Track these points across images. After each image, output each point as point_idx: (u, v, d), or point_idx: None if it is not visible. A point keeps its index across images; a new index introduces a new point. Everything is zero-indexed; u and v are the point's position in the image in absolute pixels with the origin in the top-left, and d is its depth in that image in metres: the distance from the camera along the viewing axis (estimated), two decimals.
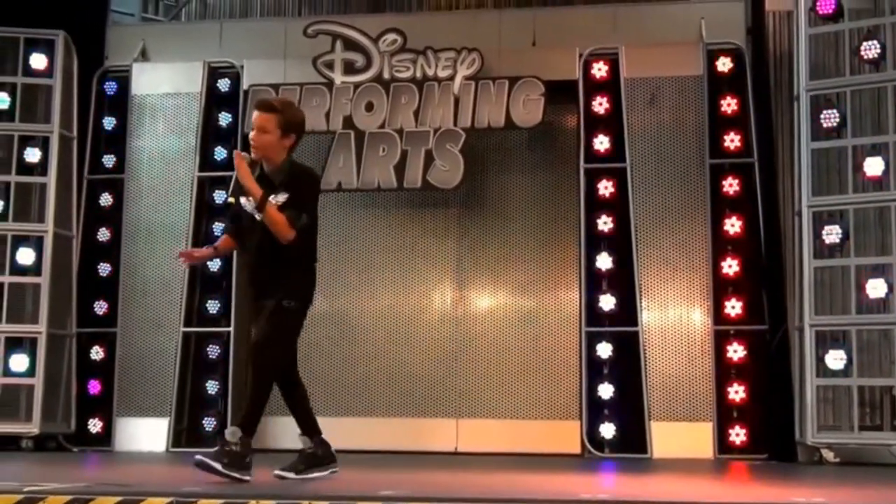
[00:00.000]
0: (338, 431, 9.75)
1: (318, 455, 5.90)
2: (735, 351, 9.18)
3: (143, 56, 10.52)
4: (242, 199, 5.85)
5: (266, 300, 5.80)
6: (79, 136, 9.93)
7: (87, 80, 10.12)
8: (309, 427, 5.95)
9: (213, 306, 9.84)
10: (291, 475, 5.75)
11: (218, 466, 5.47)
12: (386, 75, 9.89)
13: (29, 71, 9.64)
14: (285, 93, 9.89)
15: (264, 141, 5.78)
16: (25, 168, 9.57)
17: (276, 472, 5.77)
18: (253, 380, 5.79)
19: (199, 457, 5.53)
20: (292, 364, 5.95)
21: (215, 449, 5.58)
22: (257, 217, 5.75)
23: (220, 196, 9.93)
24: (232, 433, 5.57)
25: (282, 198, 5.73)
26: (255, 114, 5.85)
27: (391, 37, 9.94)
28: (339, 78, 9.94)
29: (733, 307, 9.25)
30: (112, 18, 10.96)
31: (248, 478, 5.53)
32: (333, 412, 9.98)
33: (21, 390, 9.34)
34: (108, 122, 10.30)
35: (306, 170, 6.04)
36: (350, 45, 9.99)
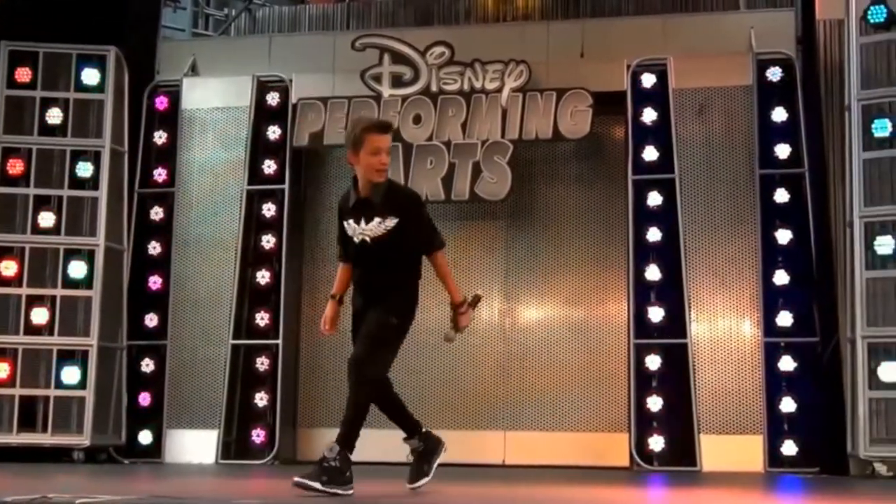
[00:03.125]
0: (388, 444, 9.85)
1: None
2: (785, 363, 9.08)
3: (194, 71, 10.63)
4: (345, 223, 5.88)
5: (369, 312, 5.81)
6: (130, 151, 10.01)
7: (138, 95, 10.23)
8: (412, 425, 6.12)
9: (262, 319, 9.88)
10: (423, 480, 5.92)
11: (317, 485, 5.45)
12: (434, 88, 9.91)
13: (81, 86, 9.73)
14: (334, 106, 9.95)
15: (388, 163, 5.86)
16: (77, 182, 9.66)
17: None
18: (352, 395, 5.72)
19: (297, 479, 5.51)
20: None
21: (314, 468, 5.57)
22: (360, 239, 5.79)
23: (268, 209, 9.99)
24: (330, 449, 5.58)
25: (391, 222, 5.76)
26: (384, 136, 5.81)
27: (439, 49, 9.97)
28: (386, 91, 9.98)
29: (784, 319, 9.16)
30: (163, 34, 11.10)
31: (350, 492, 5.53)
32: (385, 424, 9.94)
33: (73, 402, 9.42)
34: (159, 137, 10.39)
35: (410, 193, 6.09)
36: (398, 58, 10.03)
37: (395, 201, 5.81)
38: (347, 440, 5.61)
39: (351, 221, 5.84)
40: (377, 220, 5.75)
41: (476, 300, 5.92)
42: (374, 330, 5.75)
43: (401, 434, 6.11)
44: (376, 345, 5.75)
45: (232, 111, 10.40)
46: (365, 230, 5.79)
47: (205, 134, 10.44)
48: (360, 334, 5.82)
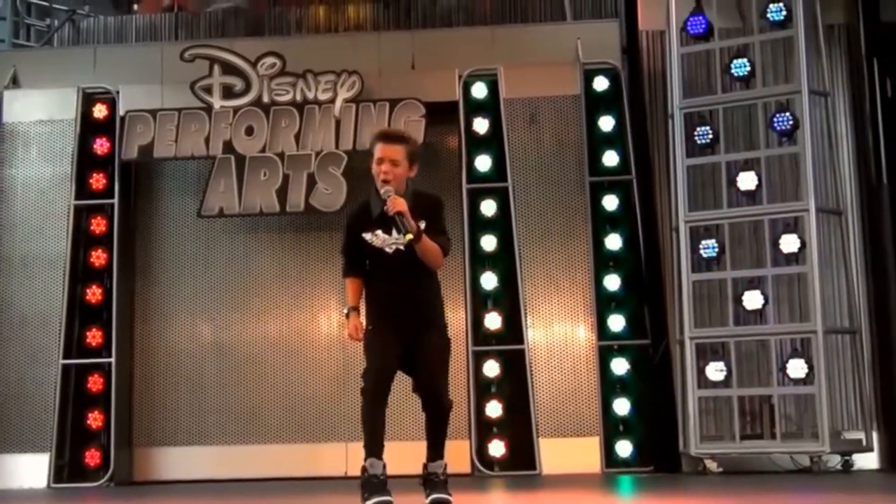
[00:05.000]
0: (227, 460, 9.76)
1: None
2: (619, 365, 9.31)
3: (15, 83, 10.28)
4: (367, 236, 5.86)
5: (425, 337, 5.92)
6: None
7: None
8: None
9: (93, 337, 9.62)
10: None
11: (451, 499, 5.93)
12: (265, 99, 9.82)
13: None
14: (163, 118, 9.76)
15: (397, 173, 5.83)
16: None
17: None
18: (444, 409, 5.98)
19: (436, 495, 5.88)
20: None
21: (434, 485, 5.95)
22: (394, 249, 5.81)
23: (97, 224, 9.75)
24: (438, 465, 5.98)
25: (421, 226, 5.78)
26: (384, 146, 5.86)
27: (270, 60, 9.88)
28: (217, 102, 9.83)
29: (616, 322, 9.38)
30: None
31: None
32: (223, 440, 9.88)
33: None
34: None
35: (434, 196, 6.09)
36: (228, 69, 9.90)
37: (421, 206, 5.87)
38: (443, 451, 6.07)
39: (379, 232, 5.86)
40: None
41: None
42: (443, 356, 5.98)
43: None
44: (446, 371, 5.99)
45: (56, 124, 10.10)
46: (398, 239, 5.80)
47: (28, 148, 10.11)
48: (428, 360, 5.91)
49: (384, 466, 5.90)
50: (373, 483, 5.82)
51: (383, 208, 5.78)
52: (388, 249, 5.86)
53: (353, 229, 5.98)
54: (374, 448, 5.91)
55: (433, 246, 5.83)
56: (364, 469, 5.87)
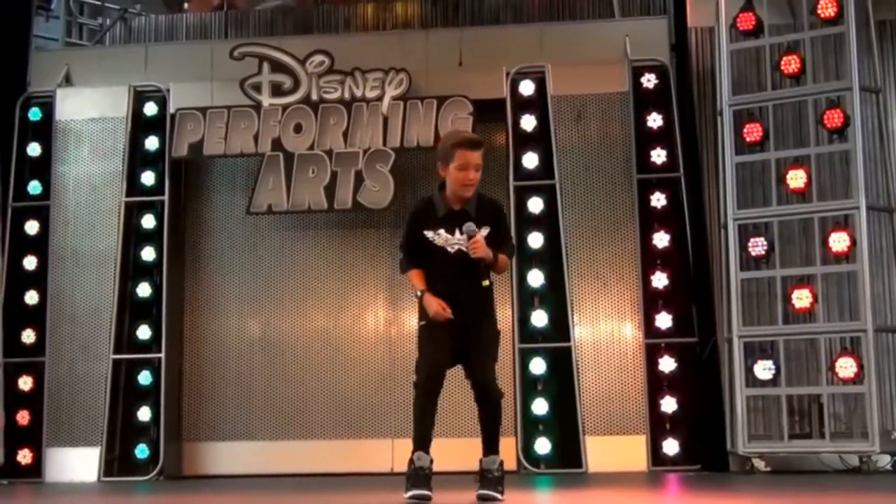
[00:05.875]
0: (275, 455, 9.83)
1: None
2: (666, 364, 9.27)
3: (68, 81, 10.42)
4: (430, 234, 5.89)
5: (478, 330, 5.88)
6: (2, 164, 9.78)
7: (9, 107, 10.01)
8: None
9: (143, 332, 9.73)
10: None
11: (500, 497, 5.81)
12: (314, 97, 9.88)
13: None
14: (213, 116, 9.84)
15: (478, 178, 5.87)
16: None
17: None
18: (495, 398, 5.91)
19: (482, 491, 5.80)
20: None
21: (486, 481, 5.82)
22: (455, 249, 5.82)
23: (147, 221, 9.86)
24: (492, 461, 5.88)
25: (484, 232, 5.80)
26: (470, 152, 5.83)
27: (318, 58, 9.94)
28: (266, 100, 9.91)
29: (663, 320, 9.34)
30: (35, 44, 10.84)
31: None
32: (270, 436, 9.94)
33: None
34: (33, 149, 10.17)
35: (497, 203, 6.09)
36: (277, 66, 9.97)
37: (487, 211, 5.91)
38: (498, 447, 5.96)
39: (441, 231, 5.87)
40: (474, 228, 5.78)
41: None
42: (493, 349, 5.93)
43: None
44: (495, 362, 5.95)
45: (108, 122, 10.23)
46: (461, 240, 5.82)
47: (80, 145, 10.25)
48: (479, 349, 5.88)
49: (431, 461, 5.89)
50: (417, 476, 5.84)
51: (451, 210, 5.83)
52: (450, 249, 5.88)
53: (415, 226, 5.99)
54: (422, 442, 5.93)
55: (503, 260, 5.92)
56: (411, 461, 5.89)
